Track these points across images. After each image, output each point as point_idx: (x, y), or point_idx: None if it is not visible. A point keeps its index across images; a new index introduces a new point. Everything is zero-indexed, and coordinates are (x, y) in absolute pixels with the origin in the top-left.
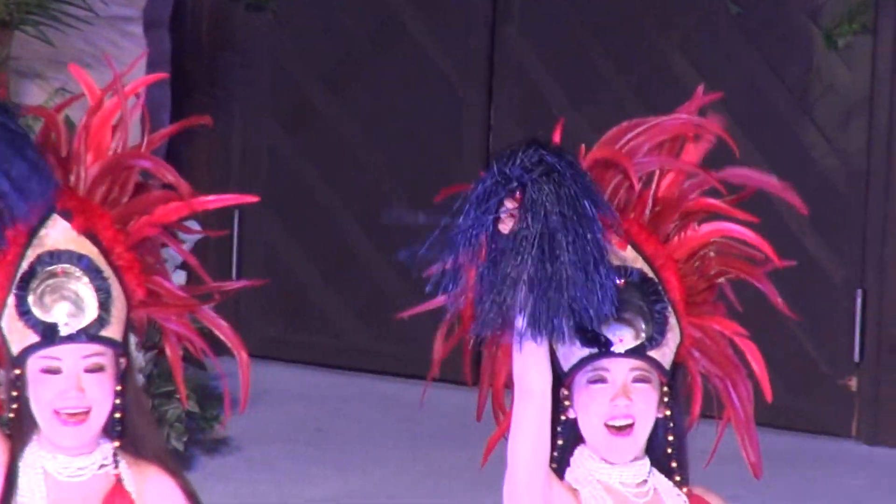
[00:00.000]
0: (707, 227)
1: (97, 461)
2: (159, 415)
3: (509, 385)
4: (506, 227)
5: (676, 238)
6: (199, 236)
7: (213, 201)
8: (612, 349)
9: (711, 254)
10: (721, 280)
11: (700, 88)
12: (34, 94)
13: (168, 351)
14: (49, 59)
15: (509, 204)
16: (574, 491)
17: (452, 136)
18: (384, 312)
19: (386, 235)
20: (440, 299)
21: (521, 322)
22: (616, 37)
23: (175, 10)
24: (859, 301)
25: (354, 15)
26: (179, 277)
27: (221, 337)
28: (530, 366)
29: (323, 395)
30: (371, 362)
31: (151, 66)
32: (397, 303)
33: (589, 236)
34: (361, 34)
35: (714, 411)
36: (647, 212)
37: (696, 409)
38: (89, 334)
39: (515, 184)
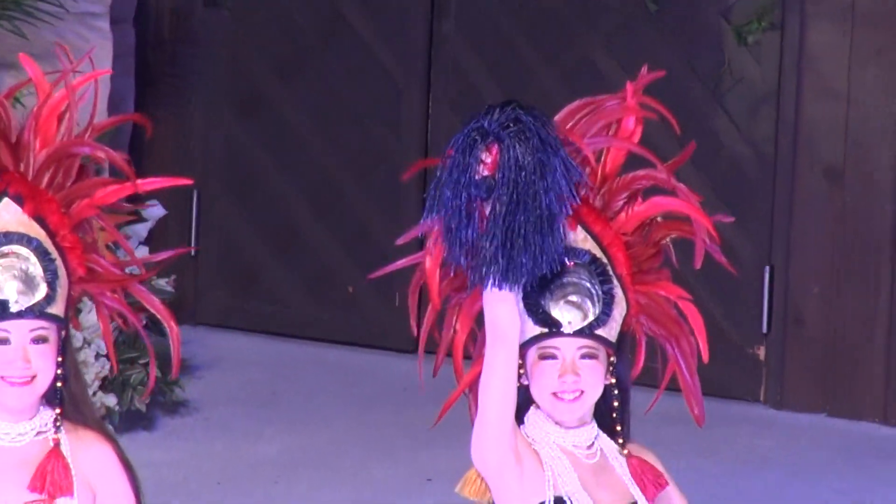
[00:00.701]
0: (652, 201)
1: (36, 427)
2: (123, 378)
3: (466, 350)
4: (479, 176)
5: (623, 214)
6: (161, 214)
7: (148, 183)
8: (561, 329)
9: (659, 219)
10: (666, 241)
11: (644, 69)
12: (7, 84)
13: (100, 323)
14: (22, 51)
15: (485, 156)
16: (535, 452)
17: (393, 124)
18: (329, 284)
19: (331, 213)
20: (404, 261)
21: (493, 269)
22: (544, 33)
23: (139, 7)
24: (767, 277)
25: (304, 11)
26: (143, 251)
27: (152, 310)
28: (503, 313)
29: (274, 361)
30: (318, 330)
31: (117, 59)
32: (342, 275)
33: (552, 194)
34: (309, 29)
35: (656, 380)
36: (597, 192)
37: (639, 367)
38: (36, 311)
39: (491, 138)
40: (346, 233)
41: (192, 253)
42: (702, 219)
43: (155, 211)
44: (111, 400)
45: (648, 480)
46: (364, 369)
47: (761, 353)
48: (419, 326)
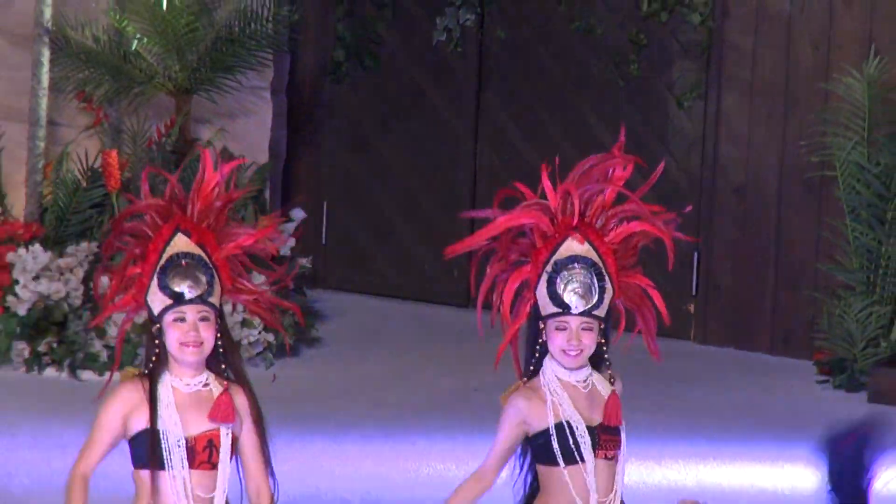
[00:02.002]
0: (632, 224)
1: (203, 380)
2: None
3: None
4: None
5: (613, 232)
6: (302, 217)
7: (259, 234)
8: (570, 310)
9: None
10: (641, 245)
11: (622, 139)
12: (203, 133)
13: (256, 315)
14: (213, 111)
15: None
16: (541, 397)
17: (452, 158)
18: (410, 262)
19: (413, 218)
20: (474, 240)
21: None
22: (551, 98)
23: (288, 82)
24: (695, 259)
25: (396, 84)
26: (291, 242)
27: (286, 306)
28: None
29: (374, 313)
30: (402, 292)
31: (275, 117)
32: (418, 257)
33: None
34: (400, 96)
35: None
36: (597, 219)
37: (621, 329)
38: (201, 299)
39: None
40: (422, 230)
41: (323, 242)
42: (664, 235)
43: (298, 213)
44: (270, 337)
45: (613, 413)
46: (433, 318)
47: (691, 308)
48: (477, 291)
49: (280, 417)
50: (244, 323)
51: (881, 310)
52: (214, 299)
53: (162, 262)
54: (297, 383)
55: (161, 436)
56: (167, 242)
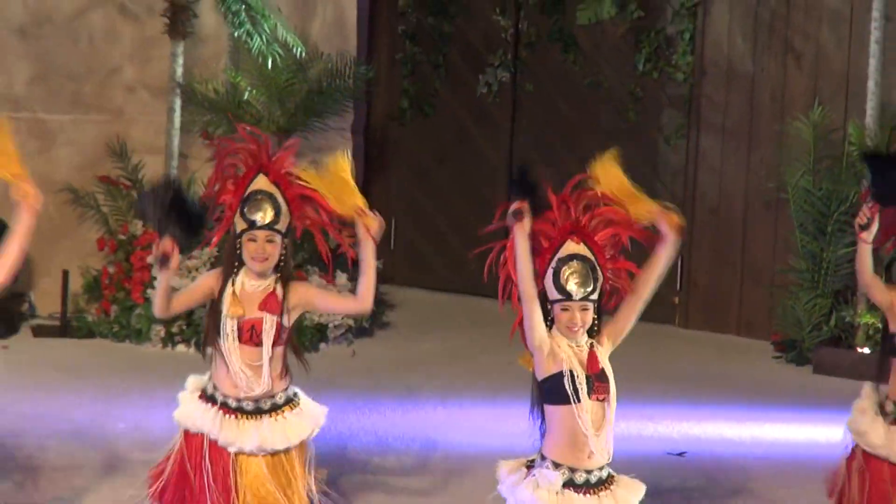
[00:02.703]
0: (614, 228)
1: (264, 283)
2: None
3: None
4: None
5: (602, 233)
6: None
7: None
8: (572, 297)
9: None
10: (619, 242)
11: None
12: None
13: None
14: (306, 147)
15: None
16: (556, 348)
17: (491, 183)
18: (458, 264)
19: (462, 228)
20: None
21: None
22: (570, 136)
23: (365, 126)
24: (679, 262)
25: (447, 127)
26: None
27: (337, 238)
28: (521, 240)
29: (433, 303)
30: (453, 287)
31: (353, 152)
32: (464, 258)
33: None
34: (451, 135)
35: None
36: (590, 224)
37: (612, 305)
38: (269, 226)
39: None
40: (467, 239)
41: (391, 248)
42: (635, 233)
43: None
44: (350, 321)
45: (592, 362)
46: (476, 308)
47: (676, 300)
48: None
49: (359, 384)
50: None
51: (823, 302)
52: (280, 226)
53: (245, 194)
54: (372, 358)
55: (221, 316)
56: (251, 180)
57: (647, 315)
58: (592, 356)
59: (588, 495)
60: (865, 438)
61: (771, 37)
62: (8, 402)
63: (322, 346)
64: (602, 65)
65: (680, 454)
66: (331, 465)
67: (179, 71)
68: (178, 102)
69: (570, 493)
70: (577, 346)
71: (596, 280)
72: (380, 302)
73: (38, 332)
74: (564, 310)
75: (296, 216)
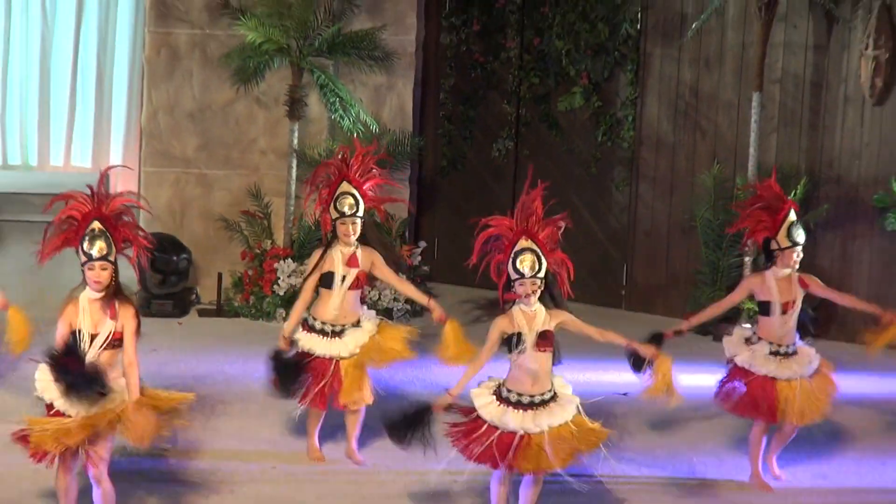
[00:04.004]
0: (550, 229)
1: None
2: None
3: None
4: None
5: (542, 234)
6: (424, 245)
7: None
8: (525, 275)
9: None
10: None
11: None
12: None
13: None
14: (381, 191)
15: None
16: (510, 317)
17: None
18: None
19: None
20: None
21: None
22: (554, 188)
23: (418, 176)
24: (625, 266)
25: (473, 179)
26: (419, 257)
27: (390, 200)
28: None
29: (462, 295)
30: (475, 282)
31: (410, 196)
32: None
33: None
34: (475, 185)
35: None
36: (534, 229)
37: (561, 288)
38: (354, 214)
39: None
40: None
41: (435, 258)
42: (558, 231)
43: (422, 243)
44: (408, 306)
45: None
46: (491, 296)
47: (622, 292)
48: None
49: (416, 345)
50: (395, 299)
51: (719, 293)
52: (360, 213)
53: (337, 195)
54: (424, 329)
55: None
56: (339, 184)
57: (605, 301)
58: (540, 319)
59: (525, 411)
60: (739, 358)
61: (685, 119)
62: (186, 359)
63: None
64: (574, 137)
65: (623, 394)
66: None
67: (295, 141)
68: (294, 162)
69: (509, 409)
70: (531, 311)
71: (541, 265)
72: (427, 292)
73: (202, 313)
74: (521, 284)
75: (367, 204)
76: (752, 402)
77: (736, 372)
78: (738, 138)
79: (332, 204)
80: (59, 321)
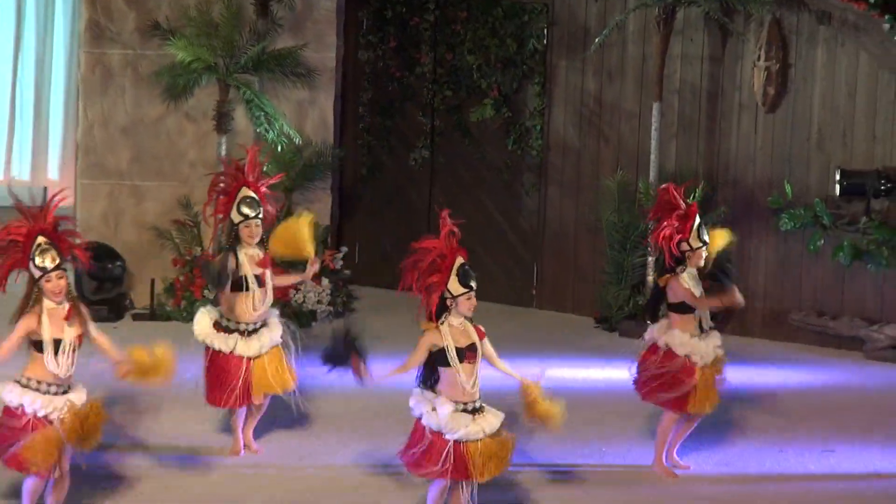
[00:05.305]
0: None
1: (258, 251)
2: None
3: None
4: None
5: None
6: (345, 250)
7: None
8: (473, 289)
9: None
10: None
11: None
12: (297, 210)
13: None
14: (303, 200)
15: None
16: (440, 331)
17: (418, 224)
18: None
19: (400, 253)
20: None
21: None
22: (468, 194)
23: (340, 183)
24: (535, 266)
25: (391, 186)
26: (340, 261)
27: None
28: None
29: (383, 297)
30: (396, 285)
31: (332, 203)
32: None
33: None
34: (394, 192)
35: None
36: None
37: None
38: (257, 216)
39: None
40: (403, 253)
41: (356, 262)
42: (457, 254)
43: (343, 249)
44: (330, 308)
45: (479, 333)
46: (411, 298)
47: (534, 291)
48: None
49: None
50: (318, 301)
51: (625, 292)
52: (261, 215)
53: (238, 200)
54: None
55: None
56: (238, 190)
57: (515, 300)
58: (468, 333)
59: (471, 417)
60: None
61: (590, 127)
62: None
63: (313, 323)
64: (486, 146)
65: None
66: (316, 396)
67: (223, 153)
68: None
69: (461, 413)
70: (460, 325)
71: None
72: (349, 295)
73: (136, 318)
74: (468, 298)
75: (266, 213)
76: (672, 386)
77: (655, 356)
78: (639, 145)
79: (234, 208)
80: (17, 329)
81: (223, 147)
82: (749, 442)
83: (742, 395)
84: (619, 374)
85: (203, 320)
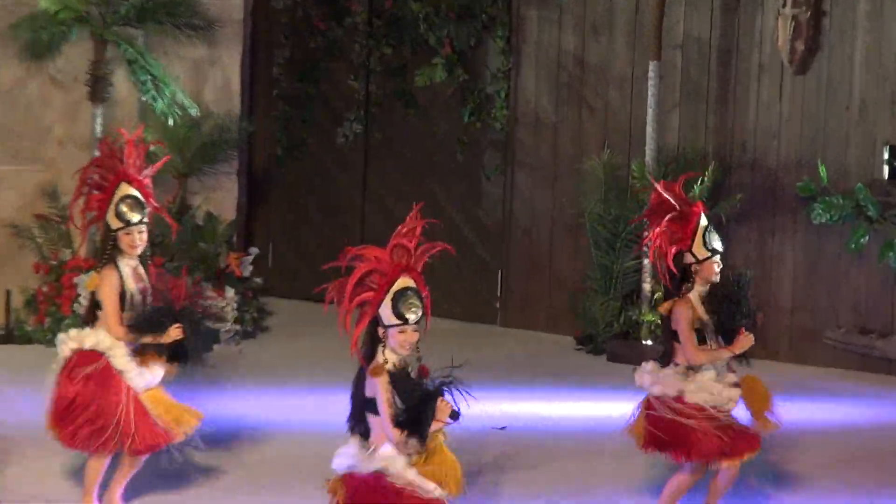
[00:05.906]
0: (423, 258)
1: (135, 263)
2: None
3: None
4: None
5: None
6: (256, 252)
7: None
8: (408, 322)
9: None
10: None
11: (416, 211)
12: (195, 200)
13: None
14: (201, 186)
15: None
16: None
17: (347, 218)
18: (326, 280)
19: (325, 254)
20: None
21: None
22: (413, 176)
23: (248, 168)
24: (500, 274)
25: (314, 169)
26: (250, 267)
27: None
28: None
29: (301, 312)
30: (317, 298)
31: (239, 189)
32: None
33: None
34: (318, 177)
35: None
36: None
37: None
38: (141, 221)
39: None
40: (332, 255)
41: (270, 266)
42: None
43: (253, 250)
44: (237, 327)
45: (424, 372)
46: (334, 315)
47: (497, 304)
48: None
49: (246, 376)
50: (218, 318)
51: (614, 304)
52: (146, 218)
53: (116, 200)
54: (257, 355)
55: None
56: (116, 187)
57: (475, 316)
58: (421, 370)
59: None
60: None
61: (569, 94)
62: None
63: (216, 346)
64: (436, 117)
65: (501, 428)
66: (229, 438)
67: (99, 128)
68: (98, 154)
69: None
70: (400, 363)
71: (423, 308)
72: (261, 310)
73: None
74: (402, 332)
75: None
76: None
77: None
78: (632, 117)
79: (111, 210)
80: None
81: (99, 120)
82: (777, 497)
83: (765, 437)
84: (607, 407)
85: (70, 345)
